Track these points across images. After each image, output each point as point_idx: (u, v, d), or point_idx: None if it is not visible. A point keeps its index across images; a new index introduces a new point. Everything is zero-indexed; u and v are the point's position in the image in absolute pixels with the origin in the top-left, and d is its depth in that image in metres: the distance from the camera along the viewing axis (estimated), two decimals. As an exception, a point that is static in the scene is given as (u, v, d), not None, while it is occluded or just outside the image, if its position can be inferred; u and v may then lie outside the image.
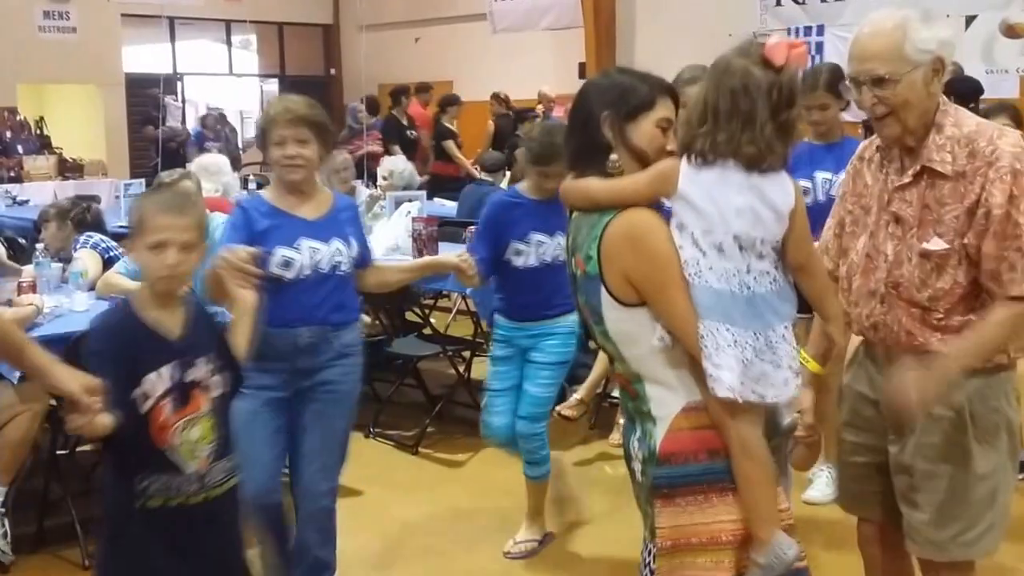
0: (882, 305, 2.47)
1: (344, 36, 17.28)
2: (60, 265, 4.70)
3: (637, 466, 2.19)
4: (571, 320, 3.82)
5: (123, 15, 14.84)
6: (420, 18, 15.26)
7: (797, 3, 10.81)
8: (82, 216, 5.10)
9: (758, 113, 2.00)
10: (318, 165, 3.29)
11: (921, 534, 2.50)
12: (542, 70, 12.91)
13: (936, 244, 2.38)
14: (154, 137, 12.08)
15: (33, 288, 4.13)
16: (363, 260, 3.43)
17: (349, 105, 11.83)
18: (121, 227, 5.44)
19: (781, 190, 2.06)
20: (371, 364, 5.33)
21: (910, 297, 2.42)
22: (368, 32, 16.37)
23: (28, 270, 4.62)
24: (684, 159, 2.08)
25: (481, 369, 5.86)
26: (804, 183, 3.85)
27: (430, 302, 6.85)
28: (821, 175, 4.04)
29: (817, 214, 2.53)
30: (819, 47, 10.29)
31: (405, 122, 11.71)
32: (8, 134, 12.52)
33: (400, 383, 5.82)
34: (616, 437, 5.10)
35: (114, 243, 4.88)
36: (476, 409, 5.13)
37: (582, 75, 12.57)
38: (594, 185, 2.12)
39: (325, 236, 3.25)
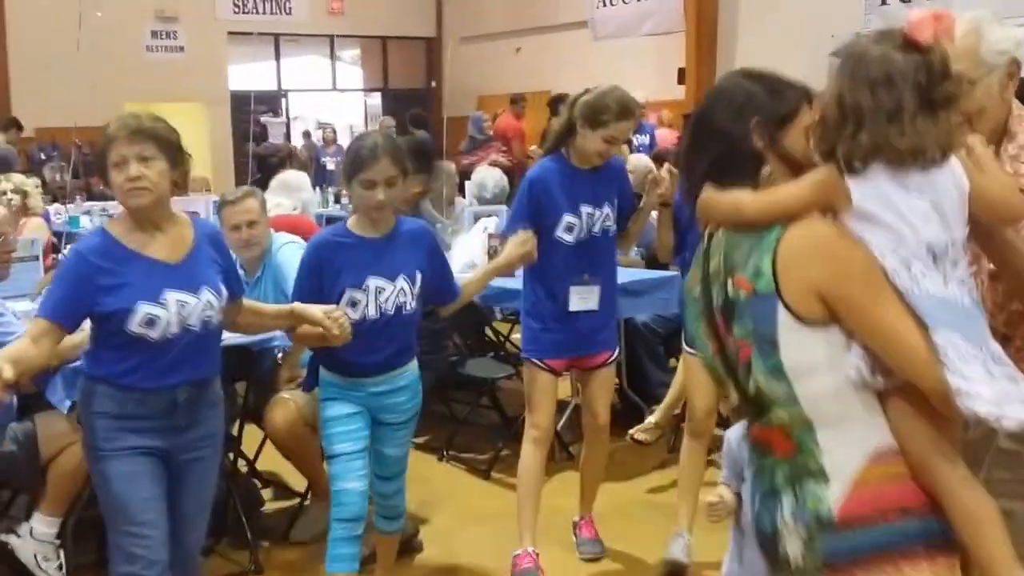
0: None
1: (446, 48, 17.28)
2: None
3: (794, 546, 1.78)
4: (415, 367, 3.38)
5: (229, 33, 15.14)
6: (520, 28, 15.16)
7: (903, 2, 10.28)
8: None
9: (905, 103, 1.75)
10: (168, 190, 2.76)
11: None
12: (642, 77, 12.58)
13: None
14: (254, 153, 12.20)
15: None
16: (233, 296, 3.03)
17: (472, 115, 11.39)
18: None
19: (952, 178, 1.80)
20: (446, 384, 5.30)
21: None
22: (469, 43, 16.36)
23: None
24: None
25: (563, 388, 5.65)
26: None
27: (512, 319, 6.57)
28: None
29: None
30: (931, 46, 9.73)
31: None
32: (114, 152, 12.81)
33: (476, 404, 5.61)
34: None
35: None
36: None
37: (681, 81, 12.20)
38: (748, 199, 1.82)
39: (192, 284, 2.79)
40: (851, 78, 1.79)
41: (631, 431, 4.75)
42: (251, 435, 4.33)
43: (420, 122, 12.78)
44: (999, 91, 2.19)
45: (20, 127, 11.67)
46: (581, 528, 4.08)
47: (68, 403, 3.51)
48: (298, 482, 4.46)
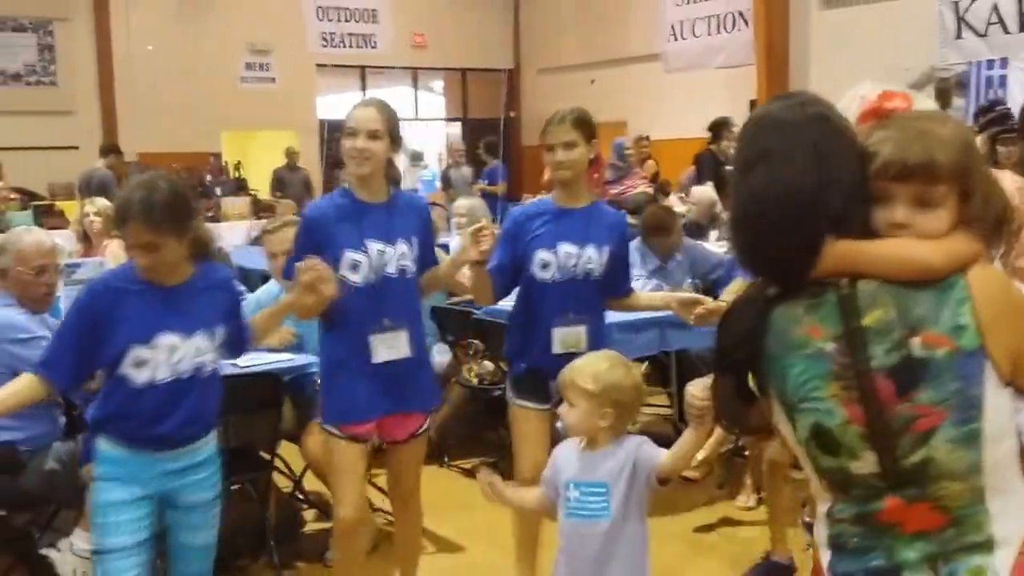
0: None
1: (524, 79, 17.72)
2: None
3: None
4: (213, 440, 3.03)
5: (318, 65, 15.80)
6: (595, 60, 15.50)
7: (978, 35, 10.29)
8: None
9: None
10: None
11: None
12: (713, 109, 12.80)
13: None
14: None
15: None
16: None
17: (614, 142, 10.98)
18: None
19: None
20: (492, 412, 5.18)
21: None
22: (546, 75, 16.80)
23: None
24: None
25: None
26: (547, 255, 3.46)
27: None
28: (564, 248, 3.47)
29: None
30: (1002, 80, 9.75)
31: (723, 159, 9.98)
32: (209, 178, 13.53)
33: None
34: (744, 499, 4.73)
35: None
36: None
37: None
38: (929, 249, 1.64)
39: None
40: None
41: None
42: (298, 456, 4.37)
43: (493, 149, 13.19)
44: None
45: (120, 152, 12.35)
46: None
47: None
48: None
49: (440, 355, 5.56)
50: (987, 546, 1.60)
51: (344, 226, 3.22)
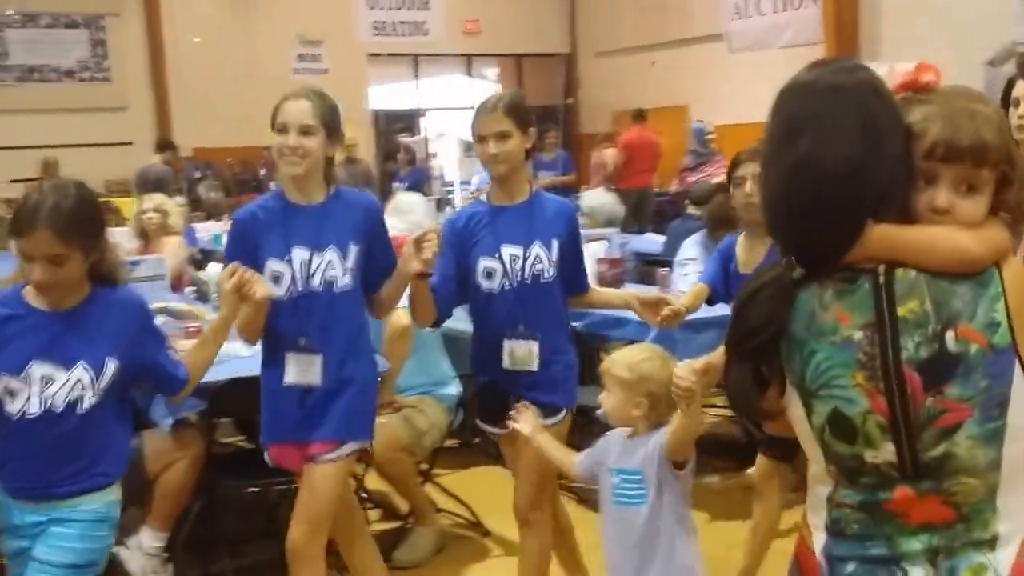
0: None
1: (581, 64, 17.34)
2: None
3: None
4: (106, 501, 2.61)
5: (369, 55, 15.58)
6: (655, 42, 15.08)
7: (1056, 9, 9.78)
8: None
9: None
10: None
11: None
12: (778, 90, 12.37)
13: None
14: (392, 172, 12.52)
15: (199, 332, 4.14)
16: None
17: (693, 125, 10.80)
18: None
19: None
20: None
21: None
22: (604, 59, 16.39)
23: (200, 311, 4.70)
24: None
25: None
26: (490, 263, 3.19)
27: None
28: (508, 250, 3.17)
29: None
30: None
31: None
32: (263, 171, 13.38)
33: (586, 433, 5.47)
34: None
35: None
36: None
37: (819, 94, 11.83)
38: (969, 238, 1.57)
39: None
40: None
41: (749, 471, 4.56)
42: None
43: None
44: None
45: (175, 147, 12.26)
46: None
47: (171, 421, 3.62)
48: (406, 504, 4.46)
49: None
50: (990, 544, 1.58)
51: (271, 232, 2.94)
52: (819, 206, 1.58)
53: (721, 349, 2.22)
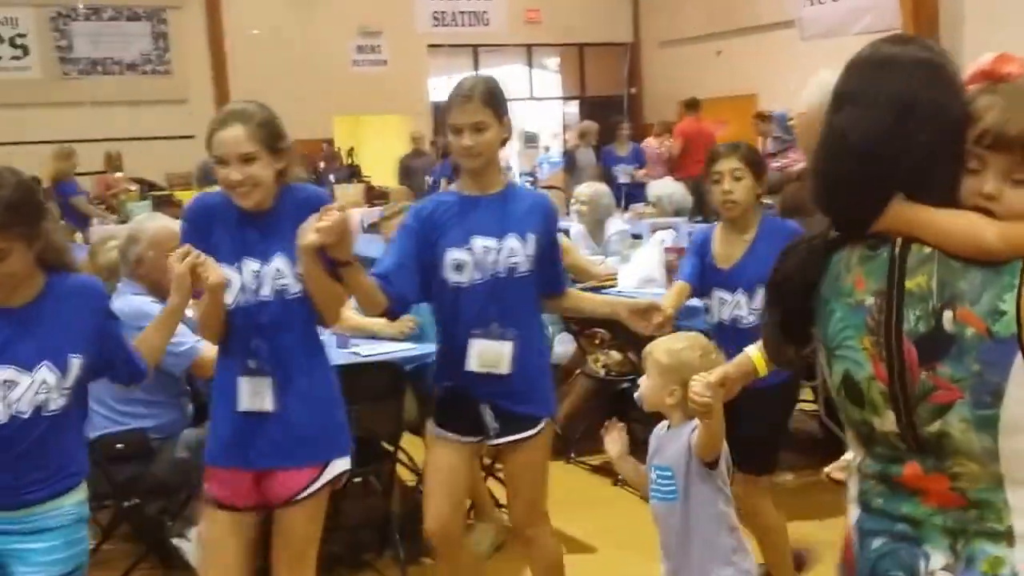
0: None
1: (644, 53, 17.03)
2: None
3: None
4: (75, 502, 2.46)
5: (429, 46, 15.44)
6: (721, 30, 14.75)
7: None
8: None
9: None
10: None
11: None
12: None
13: None
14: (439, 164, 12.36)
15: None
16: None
17: (775, 113, 10.55)
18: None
19: None
20: (619, 404, 5.07)
21: None
22: (668, 48, 16.06)
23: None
24: None
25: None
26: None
27: None
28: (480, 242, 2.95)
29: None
30: None
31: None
32: (322, 164, 13.29)
33: (651, 424, 5.41)
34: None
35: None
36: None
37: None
38: (992, 229, 1.56)
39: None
40: None
41: (826, 468, 4.41)
42: (422, 448, 4.23)
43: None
44: None
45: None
46: None
47: None
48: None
49: (562, 345, 5.51)
50: (1007, 538, 1.58)
51: (221, 234, 2.69)
52: (842, 179, 1.64)
53: (736, 359, 2.43)
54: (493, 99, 2.88)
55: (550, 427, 3.09)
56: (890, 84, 1.61)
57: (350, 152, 14.75)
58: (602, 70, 17.58)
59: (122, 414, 3.76)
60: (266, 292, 2.66)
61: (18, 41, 13.51)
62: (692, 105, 12.23)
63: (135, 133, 13.00)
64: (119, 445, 3.78)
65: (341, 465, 2.77)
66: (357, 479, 4.01)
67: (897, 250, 1.62)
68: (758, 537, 3.44)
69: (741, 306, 3.39)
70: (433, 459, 3.11)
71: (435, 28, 14.78)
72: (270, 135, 2.66)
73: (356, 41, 14.87)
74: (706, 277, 3.51)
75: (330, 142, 14.41)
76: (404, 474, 4.59)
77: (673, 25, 15.83)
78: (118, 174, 11.63)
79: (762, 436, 3.07)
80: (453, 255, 2.91)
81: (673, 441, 2.69)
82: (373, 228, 6.23)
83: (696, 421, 2.60)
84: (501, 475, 4.59)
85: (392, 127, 15.42)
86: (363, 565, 4.13)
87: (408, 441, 4.34)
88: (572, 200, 6.70)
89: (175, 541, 3.87)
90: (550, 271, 3.07)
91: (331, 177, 13.00)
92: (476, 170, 2.95)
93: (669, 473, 2.68)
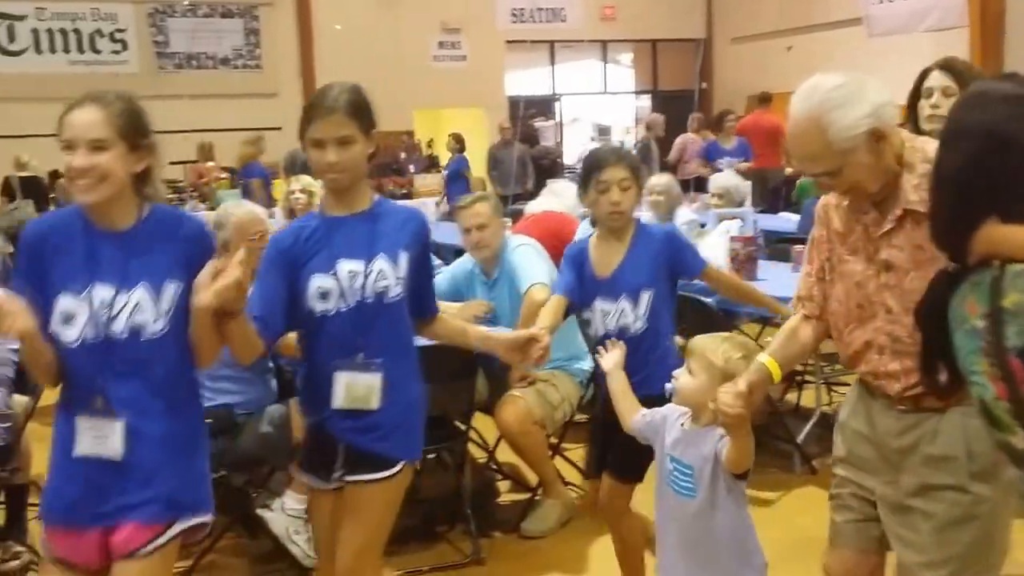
0: (880, 356, 2.29)
1: (716, 49, 17.24)
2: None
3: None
4: None
5: (507, 42, 15.89)
6: (792, 26, 14.89)
7: None
8: None
9: None
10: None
11: (914, 574, 2.30)
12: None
13: None
14: (527, 156, 12.71)
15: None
16: None
17: None
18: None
19: None
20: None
21: (913, 348, 2.16)
22: (740, 44, 16.27)
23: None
24: None
25: (808, 396, 5.56)
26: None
27: (755, 326, 6.03)
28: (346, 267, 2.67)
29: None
30: None
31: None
32: (403, 155, 13.86)
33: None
34: None
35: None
36: (789, 443, 4.88)
37: (962, 80, 11.49)
38: None
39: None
40: None
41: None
42: (492, 427, 4.43)
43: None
44: (870, 158, 2.14)
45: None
46: None
47: None
48: (534, 476, 4.47)
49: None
50: None
51: (65, 260, 2.29)
52: (935, 207, 1.81)
53: (752, 367, 2.42)
54: (359, 111, 2.61)
55: (407, 473, 2.72)
56: (983, 115, 1.71)
57: (429, 143, 15.28)
58: (674, 65, 17.82)
59: (211, 390, 3.68)
60: (118, 327, 2.28)
61: (117, 36, 14.22)
62: (765, 99, 12.42)
63: (226, 125, 13.47)
64: (208, 420, 3.50)
65: (198, 519, 2.43)
66: (431, 455, 4.14)
67: (996, 272, 1.70)
68: (619, 540, 3.36)
69: (627, 313, 3.17)
70: (310, 507, 2.89)
71: (513, 24, 15.15)
72: (130, 125, 2.29)
73: (437, 37, 15.39)
74: (586, 288, 3.25)
75: (410, 134, 14.98)
76: (476, 452, 4.74)
77: (746, 21, 16.01)
78: (210, 163, 12.11)
79: (641, 446, 2.79)
80: (317, 282, 2.62)
81: (698, 443, 2.59)
82: (448, 216, 6.37)
83: (721, 431, 2.51)
84: (568, 455, 4.74)
85: (472, 119, 15.92)
86: (436, 537, 4.22)
87: (479, 420, 4.47)
88: (646, 191, 6.79)
89: (259, 512, 3.98)
90: (422, 293, 2.80)
91: (411, 168, 13.56)
92: (341, 188, 2.66)
93: (690, 472, 2.60)
